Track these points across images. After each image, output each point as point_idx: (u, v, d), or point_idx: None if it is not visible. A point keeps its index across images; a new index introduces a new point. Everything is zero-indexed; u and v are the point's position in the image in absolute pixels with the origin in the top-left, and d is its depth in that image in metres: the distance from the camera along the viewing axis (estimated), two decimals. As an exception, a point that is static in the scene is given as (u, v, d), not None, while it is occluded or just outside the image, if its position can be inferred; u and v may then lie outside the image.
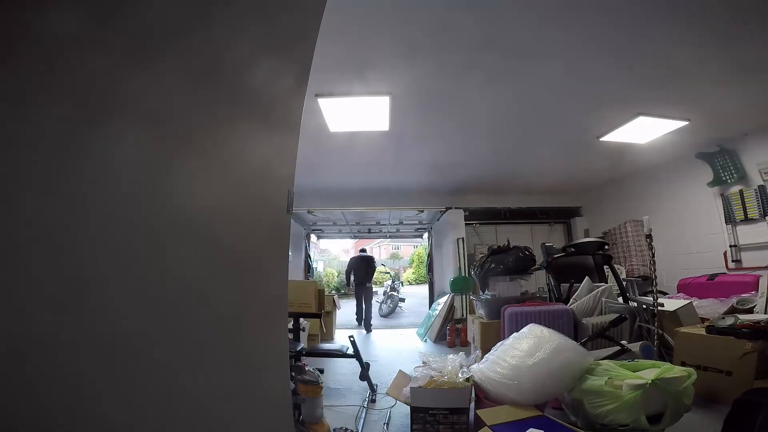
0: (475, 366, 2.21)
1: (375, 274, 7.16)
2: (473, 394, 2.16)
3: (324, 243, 14.00)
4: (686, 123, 3.36)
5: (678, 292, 3.98)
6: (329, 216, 6.78)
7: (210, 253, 0.82)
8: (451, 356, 2.34)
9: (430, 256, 7.47)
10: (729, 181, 3.87)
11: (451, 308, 5.31)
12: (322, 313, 4.49)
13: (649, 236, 2.86)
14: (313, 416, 2.07)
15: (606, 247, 3.67)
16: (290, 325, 3.26)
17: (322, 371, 2.31)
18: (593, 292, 3.08)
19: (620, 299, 3.21)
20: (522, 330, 2.20)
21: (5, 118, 0.48)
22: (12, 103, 0.49)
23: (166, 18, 0.71)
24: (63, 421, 0.52)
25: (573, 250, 3.55)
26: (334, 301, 5.66)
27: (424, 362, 2.34)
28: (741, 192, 3.75)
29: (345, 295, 12.45)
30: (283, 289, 1.12)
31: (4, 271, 0.47)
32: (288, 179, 1.12)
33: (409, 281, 15.96)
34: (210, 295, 0.81)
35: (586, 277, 3.29)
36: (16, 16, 0.50)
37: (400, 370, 2.58)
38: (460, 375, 2.13)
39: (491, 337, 2.90)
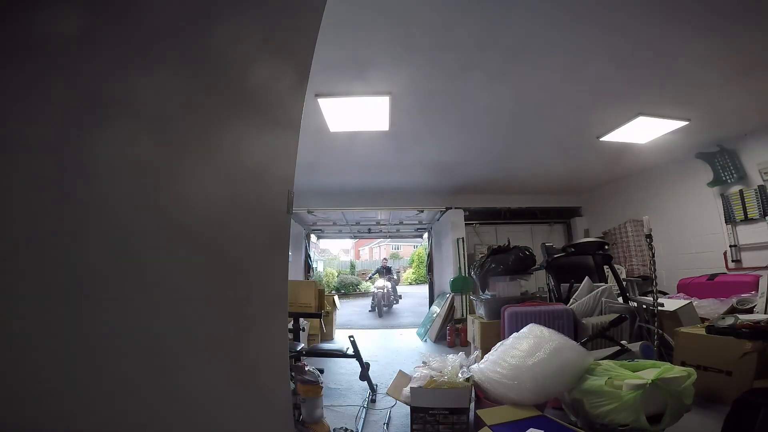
0: (475, 366, 2.21)
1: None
2: (473, 394, 2.16)
3: (324, 243, 14.02)
4: (686, 123, 3.36)
5: (678, 292, 3.98)
6: (329, 216, 6.79)
7: (210, 253, 0.82)
8: (451, 356, 2.34)
9: (430, 256, 7.48)
10: (729, 181, 3.87)
11: (451, 308, 5.31)
12: (322, 313, 4.52)
13: (649, 236, 2.86)
14: (313, 416, 2.07)
15: (606, 247, 3.67)
16: (290, 325, 3.26)
17: (322, 371, 2.31)
18: (593, 292, 3.08)
19: (620, 299, 3.21)
20: (522, 330, 2.20)
21: (5, 118, 0.48)
22: (12, 103, 0.49)
23: (166, 18, 0.71)
24: (63, 421, 0.52)
25: (573, 250, 3.55)
26: (334, 301, 5.66)
27: (424, 362, 2.34)
28: (741, 192, 3.75)
29: (345, 296, 12.49)
30: (283, 289, 1.12)
31: (4, 271, 0.47)
32: (288, 179, 1.12)
33: (409, 281, 15.97)
34: (210, 295, 0.81)
35: (586, 277, 3.29)
36: (16, 16, 0.50)
37: (400, 370, 2.58)
38: (460, 375, 2.13)
39: (491, 337, 2.90)
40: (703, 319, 3.04)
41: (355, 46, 2.22)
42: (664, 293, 3.93)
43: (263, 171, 1.03)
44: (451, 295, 5.42)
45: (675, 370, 1.74)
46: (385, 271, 10.26)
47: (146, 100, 0.67)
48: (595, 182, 5.67)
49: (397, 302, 9.57)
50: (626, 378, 1.71)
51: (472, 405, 2.16)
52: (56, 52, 0.53)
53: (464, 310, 5.12)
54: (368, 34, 2.11)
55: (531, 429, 1.61)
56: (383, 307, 8.80)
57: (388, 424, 2.32)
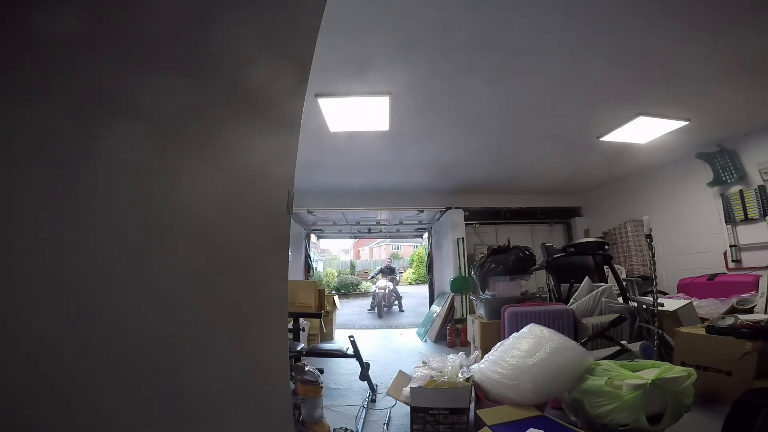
0: (475, 366, 2.21)
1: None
2: (473, 394, 2.16)
3: (324, 243, 14.02)
4: (686, 123, 3.36)
5: (678, 292, 3.99)
6: (329, 216, 6.79)
7: (210, 253, 0.82)
8: (451, 356, 2.34)
9: (430, 256, 7.48)
10: (729, 181, 3.87)
11: (451, 308, 5.31)
12: (322, 313, 4.52)
13: (649, 236, 2.86)
14: (313, 416, 2.07)
15: (606, 247, 3.67)
16: (290, 325, 3.26)
17: (322, 371, 2.31)
18: (593, 292, 3.08)
19: (620, 299, 3.21)
20: (522, 330, 2.20)
21: (5, 118, 0.48)
22: (12, 103, 0.49)
23: (166, 17, 0.71)
24: (61, 421, 0.52)
25: (573, 250, 3.55)
26: (334, 301, 5.66)
27: (424, 362, 2.34)
28: (741, 192, 3.75)
29: (345, 296, 12.48)
30: (283, 289, 1.12)
31: (3, 271, 0.47)
32: (288, 179, 1.12)
33: (409, 281, 15.97)
34: (209, 295, 0.81)
35: (586, 277, 3.29)
36: (16, 16, 0.50)
37: (400, 370, 2.58)
38: (460, 375, 2.13)
39: (491, 337, 2.90)
40: (703, 319, 3.04)
41: (355, 46, 2.22)
42: (664, 293, 3.93)
43: (263, 171, 1.02)
44: (451, 295, 5.42)
45: (675, 370, 1.74)
46: (388, 271, 10.18)
47: (146, 100, 0.67)
48: (595, 182, 5.67)
49: (402, 310, 9.06)
50: (626, 378, 1.71)
51: (472, 405, 2.16)
52: (56, 52, 0.53)
53: (464, 310, 5.12)
54: (368, 34, 2.11)
55: (531, 429, 1.61)
56: (383, 308, 8.71)
57: (388, 424, 2.32)
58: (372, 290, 10.39)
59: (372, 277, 11.42)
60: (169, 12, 0.71)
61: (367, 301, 10.41)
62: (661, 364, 1.90)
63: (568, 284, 3.38)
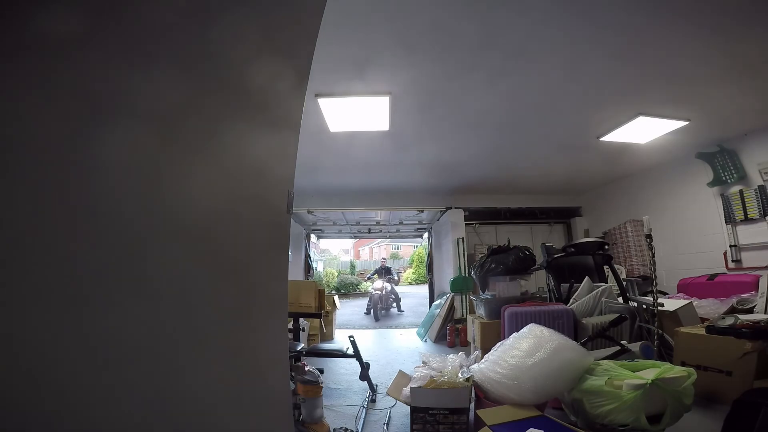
0: (475, 366, 2.21)
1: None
2: (473, 394, 2.16)
3: (324, 243, 14.02)
4: (686, 123, 3.36)
5: (678, 292, 3.98)
6: (329, 216, 6.79)
7: (210, 254, 0.82)
8: (451, 356, 2.34)
9: (430, 256, 7.48)
10: (729, 181, 3.87)
11: (451, 308, 5.31)
12: (322, 313, 4.52)
13: (649, 236, 2.86)
14: (313, 416, 2.07)
15: (606, 247, 3.67)
16: (290, 325, 3.26)
17: (322, 371, 2.31)
18: (593, 292, 3.08)
19: (620, 299, 3.21)
20: (522, 330, 2.20)
21: (5, 118, 0.48)
22: (12, 103, 0.49)
23: (166, 18, 0.71)
24: (61, 421, 0.52)
25: (573, 250, 3.55)
26: (334, 301, 5.66)
27: (424, 362, 2.34)
28: (741, 192, 3.75)
29: (345, 295, 12.48)
30: (283, 289, 1.12)
31: (3, 271, 0.47)
32: (288, 179, 1.12)
33: (409, 281, 15.97)
34: (210, 295, 0.81)
35: (586, 277, 3.29)
36: (16, 16, 0.50)
37: (400, 370, 2.58)
38: (460, 375, 2.13)
39: (491, 337, 2.90)
40: (703, 319, 3.04)
41: (355, 46, 2.22)
42: (664, 293, 3.93)
43: (263, 171, 1.03)
44: (451, 295, 5.42)
45: (675, 370, 1.74)
46: (384, 271, 9.97)
47: (146, 100, 0.67)
48: (595, 182, 5.67)
49: (401, 311, 8.87)
50: (626, 378, 1.71)
51: (472, 405, 2.16)
52: (56, 52, 0.53)
53: (464, 310, 5.12)
54: (368, 33, 2.11)
55: (531, 429, 1.61)
56: (381, 310, 8.36)
57: (388, 424, 2.32)
58: (370, 291, 10.31)
59: (369, 278, 11.29)
60: (170, 11, 0.71)
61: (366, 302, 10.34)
62: (661, 364, 1.90)
63: (568, 284, 3.38)
